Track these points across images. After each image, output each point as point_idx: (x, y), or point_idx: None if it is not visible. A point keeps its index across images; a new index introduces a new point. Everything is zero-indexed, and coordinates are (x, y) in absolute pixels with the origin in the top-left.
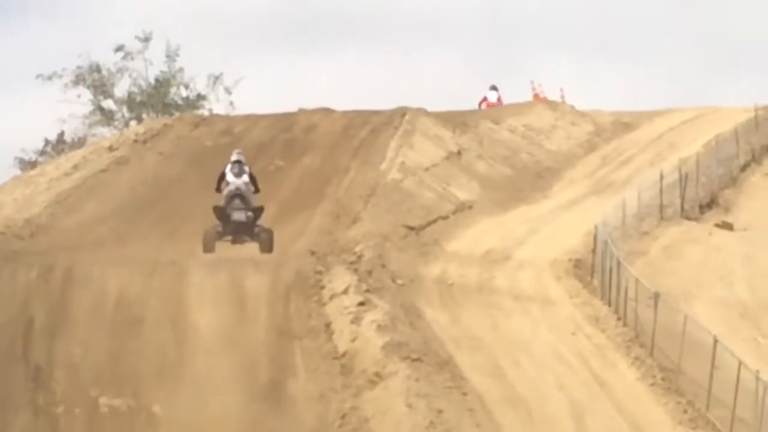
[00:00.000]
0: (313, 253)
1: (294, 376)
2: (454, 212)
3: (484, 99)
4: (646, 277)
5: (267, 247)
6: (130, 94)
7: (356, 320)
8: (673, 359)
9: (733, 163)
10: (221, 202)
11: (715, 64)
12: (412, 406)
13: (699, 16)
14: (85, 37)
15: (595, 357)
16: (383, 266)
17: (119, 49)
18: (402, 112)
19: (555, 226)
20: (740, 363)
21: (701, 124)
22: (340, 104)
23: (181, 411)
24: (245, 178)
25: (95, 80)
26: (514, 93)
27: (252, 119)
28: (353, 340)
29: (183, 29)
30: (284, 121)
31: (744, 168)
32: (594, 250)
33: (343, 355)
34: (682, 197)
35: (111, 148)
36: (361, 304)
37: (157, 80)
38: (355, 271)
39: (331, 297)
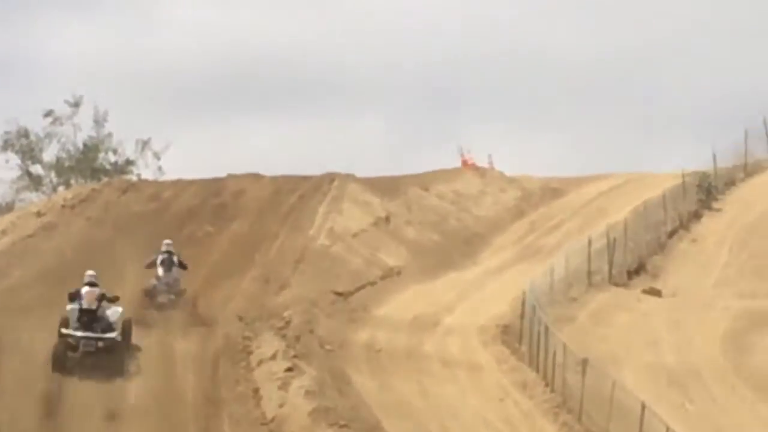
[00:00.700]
0: (241, 318)
1: None
2: (383, 278)
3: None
4: (575, 343)
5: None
6: (58, 159)
7: (284, 386)
8: (601, 425)
9: (661, 229)
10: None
11: (643, 131)
12: None
13: (624, 84)
14: (14, 101)
15: (522, 423)
16: (311, 332)
17: (48, 114)
18: (331, 177)
19: (483, 293)
20: (668, 429)
21: (630, 190)
22: (269, 169)
23: None
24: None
25: (23, 145)
26: (443, 159)
27: (181, 185)
28: (281, 406)
29: (112, 93)
30: (213, 186)
31: (672, 234)
32: (522, 316)
33: (271, 420)
34: (610, 263)
35: (39, 214)
36: (289, 369)
37: (85, 145)
38: (284, 336)
39: (260, 362)
